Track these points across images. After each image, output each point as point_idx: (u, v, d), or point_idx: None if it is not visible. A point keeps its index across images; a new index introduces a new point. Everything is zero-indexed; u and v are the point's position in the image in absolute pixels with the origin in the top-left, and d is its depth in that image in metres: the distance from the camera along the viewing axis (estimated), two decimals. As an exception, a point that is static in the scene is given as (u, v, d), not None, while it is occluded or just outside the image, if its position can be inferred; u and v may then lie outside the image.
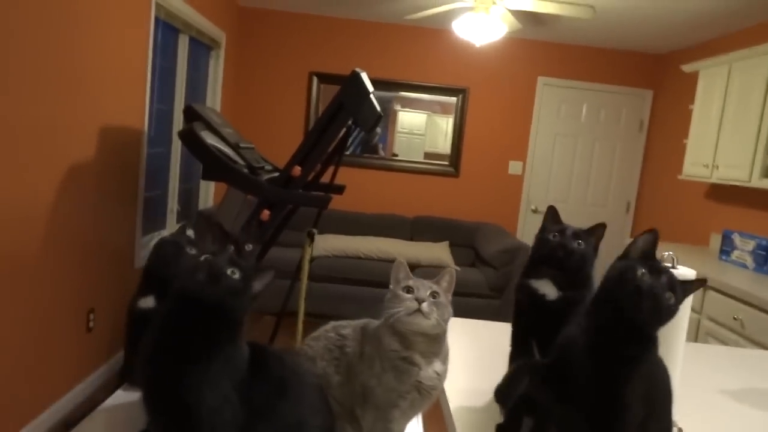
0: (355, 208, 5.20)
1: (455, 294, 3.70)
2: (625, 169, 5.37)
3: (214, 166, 2.68)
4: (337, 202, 4.57)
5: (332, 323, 1.04)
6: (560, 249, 0.94)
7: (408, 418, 0.99)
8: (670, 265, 1.05)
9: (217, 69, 4.56)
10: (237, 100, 5.16)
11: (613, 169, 5.37)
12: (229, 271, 0.78)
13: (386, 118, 5.25)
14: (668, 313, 0.75)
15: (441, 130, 5.31)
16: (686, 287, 0.79)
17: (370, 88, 2.92)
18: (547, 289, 0.94)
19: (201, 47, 4.29)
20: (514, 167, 5.31)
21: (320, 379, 0.93)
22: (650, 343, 0.77)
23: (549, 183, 5.35)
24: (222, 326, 0.78)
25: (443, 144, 5.32)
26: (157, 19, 3.34)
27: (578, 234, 0.95)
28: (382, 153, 5.32)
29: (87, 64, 2.62)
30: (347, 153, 5.27)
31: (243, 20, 5.08)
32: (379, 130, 5.28)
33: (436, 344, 0.93)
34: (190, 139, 2.70)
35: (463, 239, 4.99)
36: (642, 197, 5.35)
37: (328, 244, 4.52)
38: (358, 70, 2.89)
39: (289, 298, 3.14)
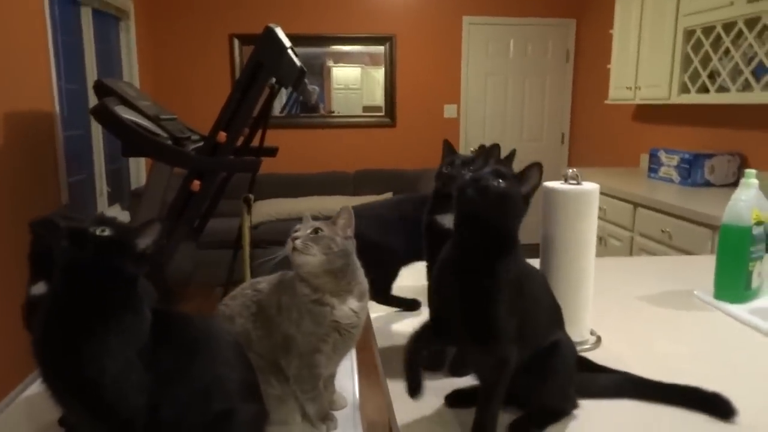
0: (295, 169, 5.13)
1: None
2: (556, 101, 5.46)
3: (132, 141, 2.57)
4: (276, 165, 4.49)
5: (249, 281, 1.03)
6: (450, 180, 0.96)
7: (334, 362, 0.99)
8: (575, 182, 1.07)
9: (128, 41, 4.32)
10: (156, 71, 4.93)
11: (545, 103, 5.45)
12: (97, 231, 0.74)
13: (320, 75, 5.14)
14: (502, 197, 0.74)
15: (377, 83, 5.24)
16: (527, 172, 0.78)
17: (287, 43, 2.83)
18: (452, 223, 0.95)
19: (108, 19, 4.04)
20: (449, 111, 5.32)
21: (237, 336, 0.92)
22: (507, 248, 0.77)
23: (485, 123, 5.39)
24: (112, 292, 0.75)
25: (381, 97, 5.27)
26: (51, -8, 3.12)
27: (468, 162, 0.96)
28: (323, 112, 5.24)
29: (-24, 46, 2.43)
30: (282, 114, 5.16)
31: (151, -14, 4.81)
32: (316, 88, 5.17)
33: (342, 281, 0.93)
34: (103, 115, 2.57)
35: (407, 188, 5.00)
36: (575, 127, 5.47)
37: (270, 208, 4.46)
38: (272, 25, 2.79)
39: (233, 267, 3.10)
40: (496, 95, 5.37)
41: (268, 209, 4.44)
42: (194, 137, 3.04)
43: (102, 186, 3.82)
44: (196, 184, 2.71)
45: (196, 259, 4.12)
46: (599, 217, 1.11)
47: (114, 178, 4.07)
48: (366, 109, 5.28)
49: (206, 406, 0.80)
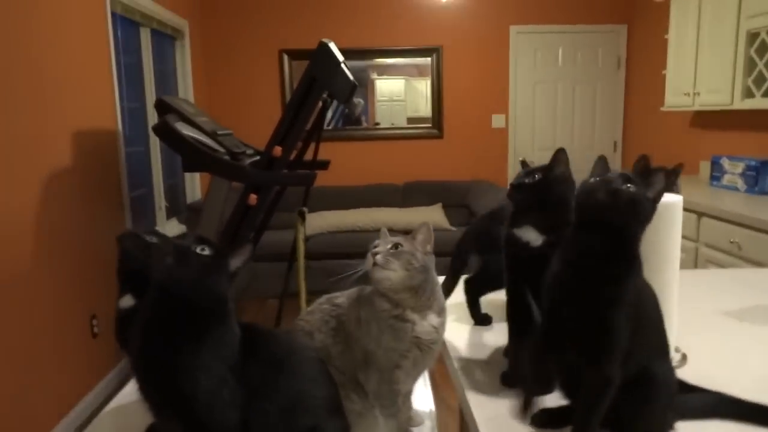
0: (344, 182, 5.16)
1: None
2: (608, 109, 5.33)
3: (193, 156, 2.65)
4: (325, 178, 4.54)
5: (325, 296, 1.03)
6: (513, 189, 0.96)
7: (413, 378, 0.98)
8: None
9: (184, 59, 4.47)
10: (209, 88, 5.07)
11: (596, 111, 5.33)
12: (198, 249, 0.76)
13: (364, 87, 5.18)
14: (633, 202, 0.72)
15: (421, 94, 5.25)
16: (652, 176, 0.75)
17: (341, 57, 2.86)
18: (531, 236, 0.94)
19: (164, 38, 4.19)
20: (497, 121, 5.27)
21: (318, 352, 0.92)
22: (632, 257, 0.74)
23: (534, 132, 5.31)
24: (207, 309, 0.77)
25: (425, 108, 5.26)
26: (114, 15, 3.25)
27: (532, 171, 0.96)
28: (366, 125, 5.28)
29: (48, 70, 2.55)
30: (329, 128, 5.22)
31: (204, 5, 4.96)
32: (361, 101, 5.21)
33: (422, 297, 0.92)
34: (165, 132, 2.65)
35: (456, 199, 4.97)
36: (628, 135, 5.33)
37: (322, 221, 4.50)
38: (325, 40, 2.83)
39: (288, 279, 3.14)
40: (545, 104, 5.29)
41: (319, 222, 4.48)
42: (249, 152, 3.11)
43: (161, 200, 3.94)
44: (253, 198, 2.76)
45: (252, 271, 4.20)
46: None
47: (171, 193, 4.19)
48: (410, 120, 5.29)
49: (293, 422, 0.80)
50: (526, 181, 0.97)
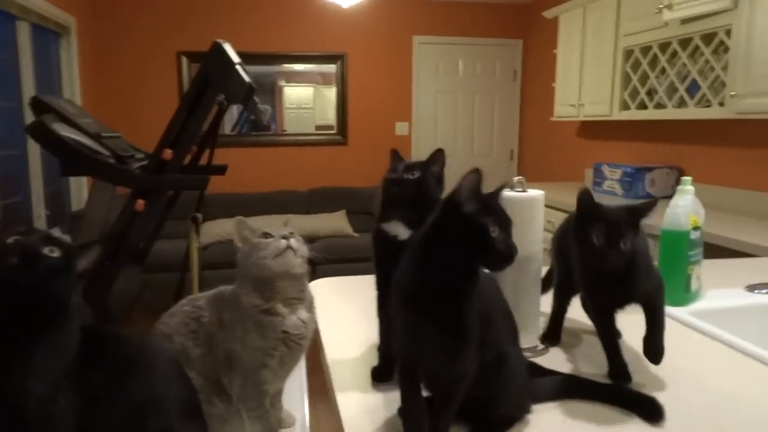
0: (248, 188, 5.03)
1: (357, 260, 3.75)
2: (504, 119, 5.58)
3: (72, 159, 2.48)
4: (228, 184, 4.40)
5: (187, 298, 0.99)
6: (392, 184, 0.95)
7: (281, 378, 0.96)
8: (520, 189, 1.09)
9: (70, 57, 4.18)
10: (99, 89, 4.78)
11: (494, 120, 5.57)
12: (46, 250, 0.70)
13: (272, 94, 5.10)
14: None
15: (330, 102, 5.25)
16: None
17: (237, 59, 2.79)
18: (399, 230, 0.94)
19: (47, 35, 3.90)
20: (401, 128, 5.37)
21: (176, 354, 0.88)
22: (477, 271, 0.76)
23: (436, 140, 5.45)
24: (44, 311, 0.70)
25: (334, 116, 5.26)
26: (-15, 6, 2.99)
27: (411, 167, 0.96)
28: (275, 131, 5.19)
29: None
30: (233, 133, 5.08)
31: (94, 1, 4.68)
32: (269, 108, 5.12)
33: (300, 286, 0.91)
34: (40, 133, 2.47)
35: (360, 206, 4.99)
36: (523, 143, 5.60)
37: (221, 228, 4.36)
38: (220, 41, 2.76)
39: (181, 290, 3.00)
40: (446, 113, 5.45)
41: (218, 230, 4.34)
42: (138, 155, 2.95)
43: (40, 209, 3.65)
44: (140, 204, 2.62)
45: (142, 282, 3.98)
46: (547, 230, 1.13)
47: (53, 200, 3.89)
48: (319, 128, 5.27)
49: (141, 428, 0.75)
50: (407, 177, 0.97)
